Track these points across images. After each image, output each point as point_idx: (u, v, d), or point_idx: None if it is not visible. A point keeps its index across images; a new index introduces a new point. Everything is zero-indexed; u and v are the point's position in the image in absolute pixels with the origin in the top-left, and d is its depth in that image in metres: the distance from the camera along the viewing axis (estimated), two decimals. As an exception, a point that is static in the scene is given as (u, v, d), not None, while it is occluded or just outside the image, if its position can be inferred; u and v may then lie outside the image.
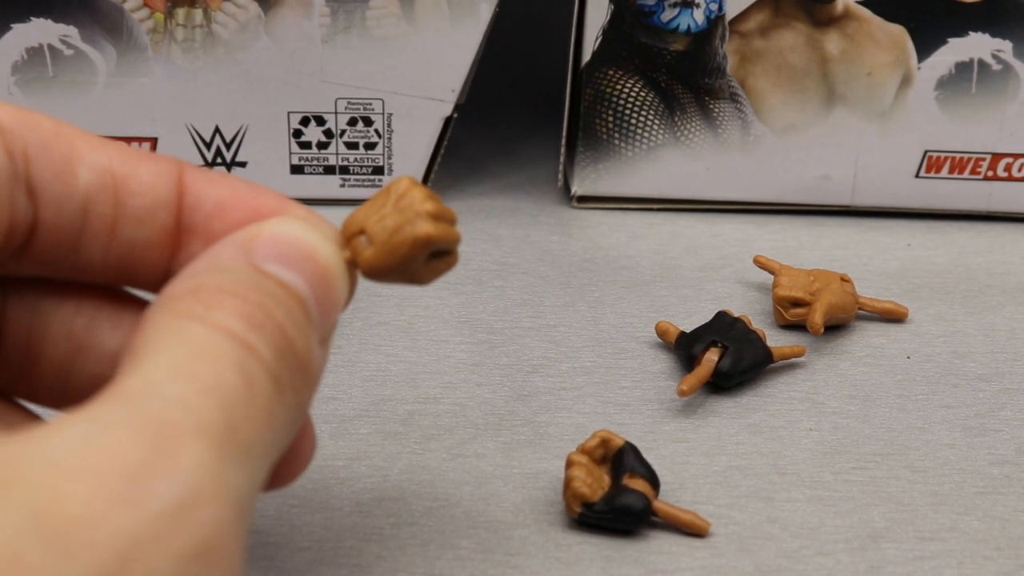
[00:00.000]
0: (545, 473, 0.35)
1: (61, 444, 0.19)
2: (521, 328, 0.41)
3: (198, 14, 0.44)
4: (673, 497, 0.34)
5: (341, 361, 0.39)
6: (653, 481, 0.33)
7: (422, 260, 0.26)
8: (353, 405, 0.37)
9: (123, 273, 0.26)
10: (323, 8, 0.44)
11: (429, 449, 0.36)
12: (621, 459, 0.33)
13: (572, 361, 0.40)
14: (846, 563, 0.32)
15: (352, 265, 0.26)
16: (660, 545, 0.32)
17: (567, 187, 0.49)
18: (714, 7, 0.44)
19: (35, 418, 0.28)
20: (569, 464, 0.33)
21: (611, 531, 0.32)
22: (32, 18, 0.44)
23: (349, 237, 0.26)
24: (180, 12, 0.44)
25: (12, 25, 0.44)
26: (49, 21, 0.44)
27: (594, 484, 0.32)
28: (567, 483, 0.32)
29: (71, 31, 0.44)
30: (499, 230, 0.47)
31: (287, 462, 0.26)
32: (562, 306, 0.42)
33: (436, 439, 0.36)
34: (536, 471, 0.35)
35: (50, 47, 0.44)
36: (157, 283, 0.26)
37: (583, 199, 0.48)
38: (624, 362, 0.39)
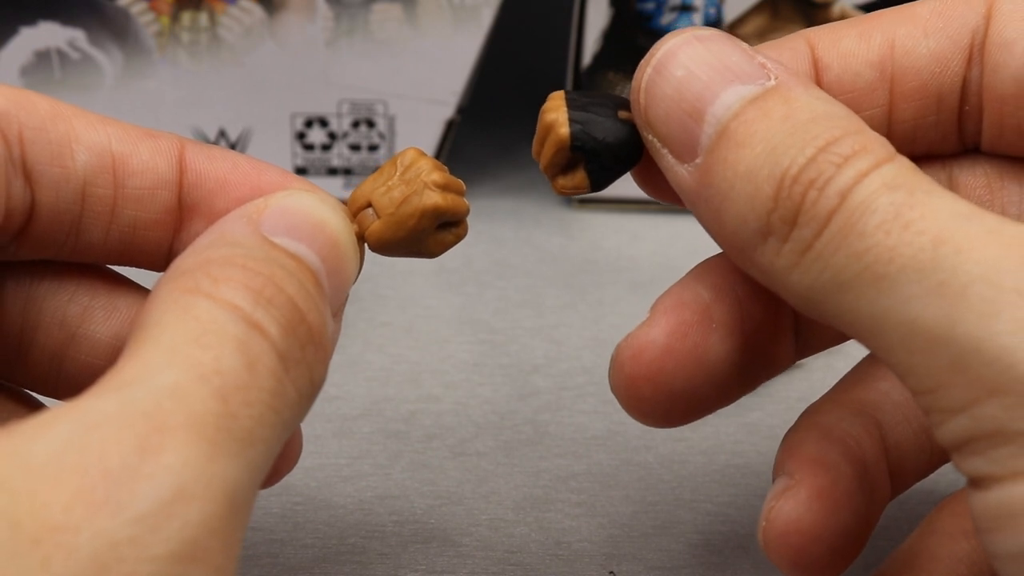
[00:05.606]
0: (546, 471, 0.35)
1: (44, 446, 0.19)
2: (522, 328, 0.41)
3: (203, 17, 0.44)
4: (672, 495, 0.34)
5: (344, 361, 0.39)
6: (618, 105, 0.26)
7: (430, 232, 0.26)
8: (356, 404, 0.38)
9: (125, 253, 0.26)
10: (326, 12, 0.44)
11: (431, 448, 0.36)
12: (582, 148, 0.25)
13: (572, 361, 0.40)
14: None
15: (360, 238, 0.26)
16: (660, 543, 0.33)
17: (568, 189, 0.49)
18: (712, 11, 0.45)
19: (32, 405, 0.27)
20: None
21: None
22: (40, 22, 0.44)
23: (356, 210, 0.26)
24: (185, 16, 0.44)
25: (20, 28, 0.44)
26: (57, 24, 0.44)
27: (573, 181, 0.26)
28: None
29: (78, 34, 0.44)
30: (501, 232, 0.47)
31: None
32: (563, 307, 0.43)
33: (438, 438, 0.36)
34: (537, 469, 0.35)
35: (58, 50, 0.44)
36: (160, 262, 0.26)
37: (584, 201, 0.49)
38: (624, 362, 0.39)
